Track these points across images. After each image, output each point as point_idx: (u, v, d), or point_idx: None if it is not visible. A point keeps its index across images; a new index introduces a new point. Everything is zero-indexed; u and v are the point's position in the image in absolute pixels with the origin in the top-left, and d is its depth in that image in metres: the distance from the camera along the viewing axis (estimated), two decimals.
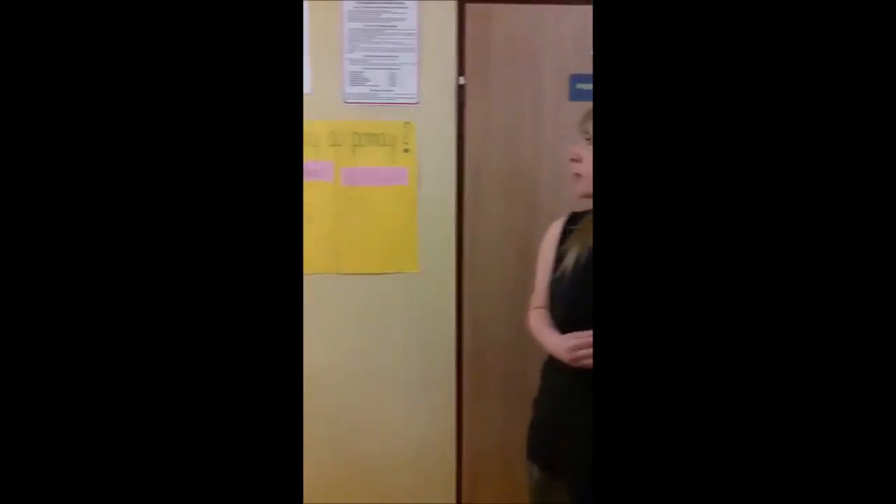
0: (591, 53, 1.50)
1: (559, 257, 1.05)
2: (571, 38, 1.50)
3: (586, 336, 0.94)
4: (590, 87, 1.51)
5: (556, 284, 1.05)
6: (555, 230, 1.12)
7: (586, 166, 0.99)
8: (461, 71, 1.48)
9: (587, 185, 0.99)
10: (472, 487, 1.57)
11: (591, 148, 0.98)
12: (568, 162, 1.03)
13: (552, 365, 1.05)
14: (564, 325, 1.02)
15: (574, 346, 0.94)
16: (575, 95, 1.53)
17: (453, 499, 1.56)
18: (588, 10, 1.49)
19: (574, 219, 1.10)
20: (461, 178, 1.50)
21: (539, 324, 1.09)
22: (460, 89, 1.48)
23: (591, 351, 0.92)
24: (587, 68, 1.50)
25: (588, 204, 1.08)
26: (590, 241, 1.01)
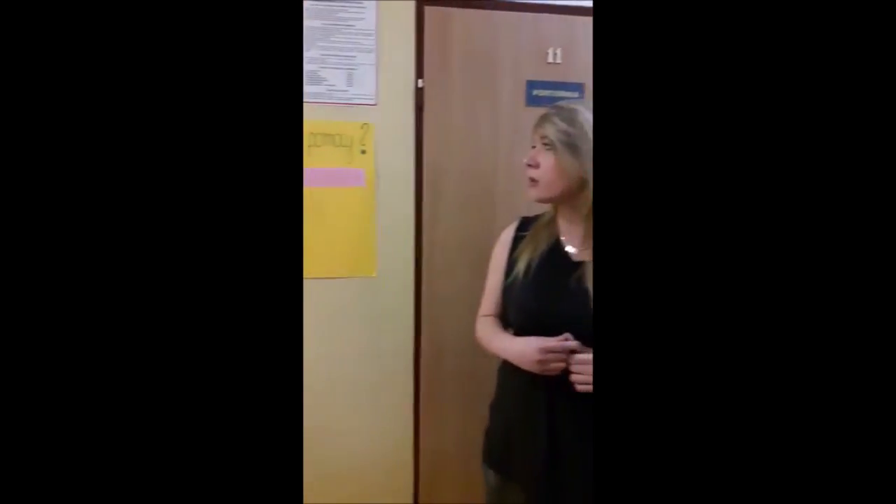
0: (549, 60, 1.57)
1: (511, 264, 1.04)
2: (528, 44, 1.51)
3: (554, 342, 0.92)
4: (546, 93, 1.53)
5: (508, 291, 1.04)
6: (506, 237, 1.10)
7: (542, 172, 0.98)
8: (420, 73, 1.46)
9: (543, 191, 0.99)
10: (429, 490, 1.57)
11: (548, 153, 0.98)
12: (525, 167, 1.03)
13: (508, 368, 1.04)
14: (518, 331, 1.01)
15: (544, 348, 0.91)
16: (531, 101, 1.54)
17: (411, 501, 1.55)
18: (544, 17, 1.52)
19: (525, 224, 1.09)
20: (419, 181, 1.49)
21: (492, 332, 1.07)
22: (419, 92, 1.47)
23: (560, 356, 0.92)
24: (543, 75, 1.53)
25: (540, 209, 1.09)
26: (541, 246, 1.01)
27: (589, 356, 0.89)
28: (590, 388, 0.88)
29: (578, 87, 1.55)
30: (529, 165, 1.00)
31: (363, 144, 1.45)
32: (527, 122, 1.12)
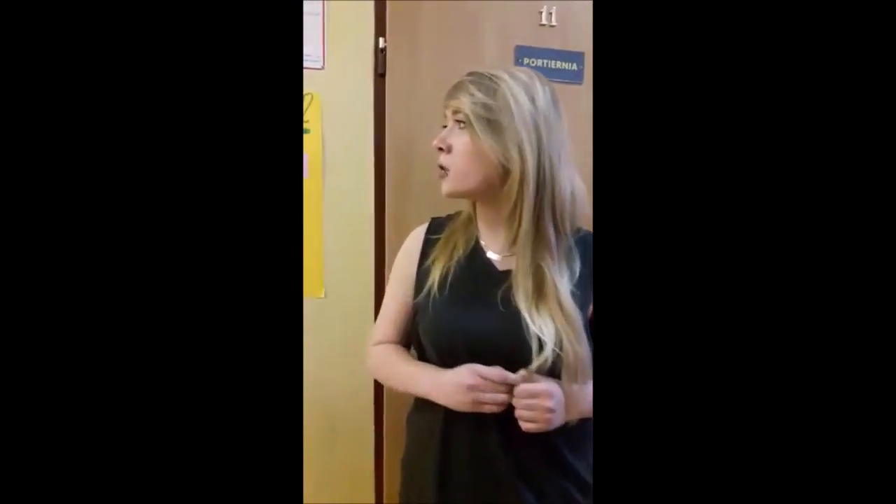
0: (542, 22, 1.31)
1: (422, 276, 0.87)
2: (517, 2, 1.26)
3: (492, 370, 0.75)
4: (539, 62, 1.31)
5: (420, 310, 0.85)
6: (412, 243, 0.91)
7: (455, 157, 0.80)
8: (381, 30, 1.19)
9: (456, 182, 0.81)
10: None
11: (462, 133, 0.79)
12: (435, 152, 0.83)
13: (420, 412, 0.87)
14: (440, 360, 0.82)
15: (479, 373, 0.75)
16: None
17: None
18: None
19: (436, 226, 0.91)
20: (381, 170, 1.22)
21: (396, 361, 0.88)
22: (380, 54, 1.19)
23: (498, 387, 0.75)
24: (535, 40, 1.28)
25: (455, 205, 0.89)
26: (458, 252, 0.85)
27: (536, 386, 0.75)
28: (538, 426, 0.75)
29: (577, 57, 1.34)
30: (440, 149, 0.82)
31: (306, 121, 1.19)
32: None
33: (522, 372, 0.76)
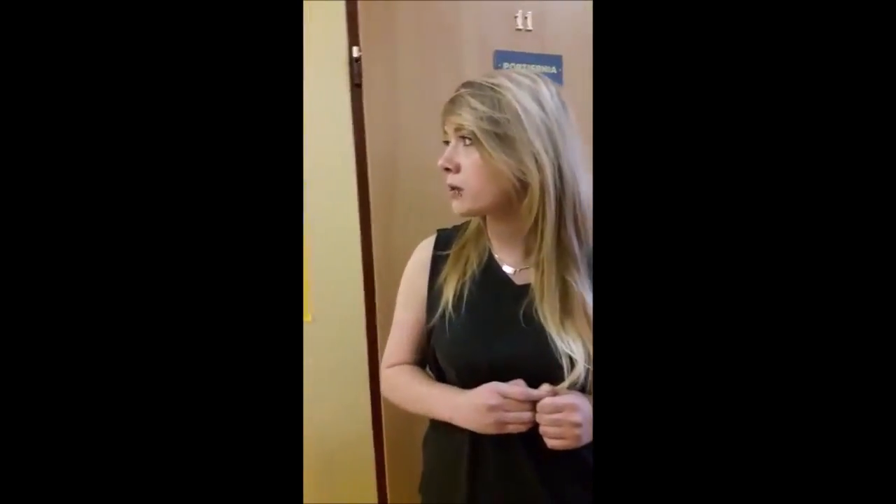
0: (518, 26, 1.28)
1: (435, 295, 0.82)
2: (494, 6, 1.23)
3: (515, 389, 0.71)
4: (519, 67, 1.26)
5: (436, 332, 0.80)
6: (421, 257, 0.85)
7: (466, 176, 0.74)
8: (354, 39, 1.14)
9: (470, 202, 0.75)
10: None
11: (470, 150, 0.74)
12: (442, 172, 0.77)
13: (438, 434, 0.82)
14: (461, 382, 0.77)
15: (501, 391, 0.70)
16: None
17: None
18: None
19: (444, 240, 0.85)
20: (364, 185, 1.16)
21: (411, 384, 0.82)
22: (355, 64, 1.14)
23: (522, 405, 0.70)
24: (511, 44, 1.25)
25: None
26: (471, 267, 0.80)
27: (561, 400, 0.70)
28: (565, 443, 0.70)
29: (556, 61, 1.31)
30: (447, 169, 0.76)
31: None
32: None
33: (546, 386, 0.71)
